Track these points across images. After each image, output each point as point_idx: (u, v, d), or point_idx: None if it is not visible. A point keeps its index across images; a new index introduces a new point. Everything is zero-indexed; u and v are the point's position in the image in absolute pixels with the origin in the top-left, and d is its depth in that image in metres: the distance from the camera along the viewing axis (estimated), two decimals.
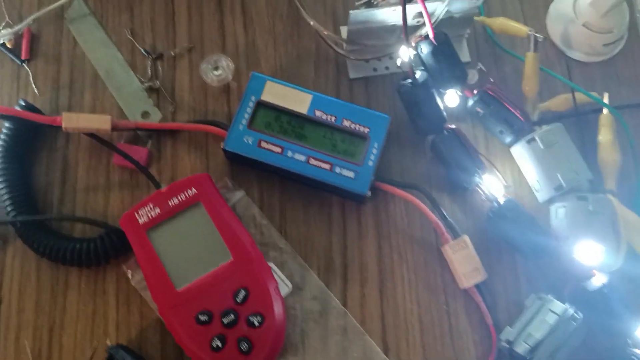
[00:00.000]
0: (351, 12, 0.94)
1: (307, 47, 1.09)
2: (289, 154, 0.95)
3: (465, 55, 1.07)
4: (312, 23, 1.05)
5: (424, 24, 0.95)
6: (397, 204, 1.00)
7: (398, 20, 0.98)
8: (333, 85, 1.06)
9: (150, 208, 0.89)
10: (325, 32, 1.04)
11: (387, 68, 1.07)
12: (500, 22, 1.04)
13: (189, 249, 0.88)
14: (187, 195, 0.90)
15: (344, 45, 1.03)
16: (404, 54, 0.95)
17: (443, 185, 1.01)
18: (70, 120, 0.95)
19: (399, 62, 0.99)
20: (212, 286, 0.85)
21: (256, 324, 0.84)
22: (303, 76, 1.05)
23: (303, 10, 1.06)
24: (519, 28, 1.00)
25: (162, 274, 0.86)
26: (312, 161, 0.94)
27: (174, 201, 0.90)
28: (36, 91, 1.05)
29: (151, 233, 0.88)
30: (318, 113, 0.97)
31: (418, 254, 0.99)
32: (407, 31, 0.93)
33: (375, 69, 1.07)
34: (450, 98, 0.99)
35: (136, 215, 0.89)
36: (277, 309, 0.86)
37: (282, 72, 1.07)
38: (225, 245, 0.87)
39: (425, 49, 0.96)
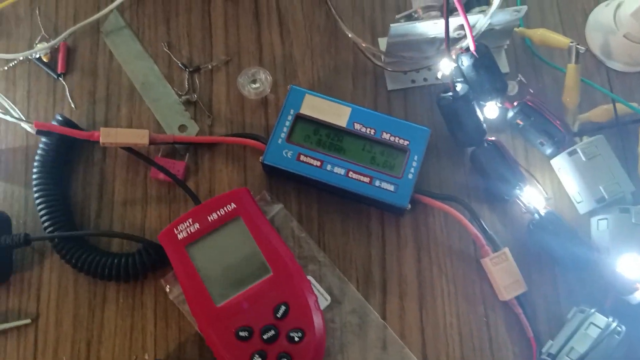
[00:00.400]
0: (392, 25, 0.93)
1: (344, 59, 1.07)
2: (329, 167, 0.93)
3: (504, 66, 1.05)
4: (350, 35, 1.04)
5: (464, 37, 0.93)
6: (436, 216, 0.99)
7: (438, 33, 0.97)
8: (371, 97, 1.04)
9: (190, 223, 0.88)
10: (364, 45, 1.03)
11: (425, 79, 1.05)
12: (541, 34, 1.02)
13: (228, 265, 0.87)
14: (226, 210, 0.88)
15: (382, 57, 1.02)
16: (445, 67, 0.95)
17: (482, 196, 1.00)
18: (108, 136, 0.94)
19: (439, 75, 0.98)
20: (252, 302, 0.83)
21: (296, 339, 0.83)
22: (341, 88, 1.04)
23: (341, 22, 1.06)
24: (560, 40, 0.98)
25: (202, 289, 0.85)
26: (352, 174, 0.93)
27: (213, 216, 0.88)
28: (72, 105, 1.04)
29: (190, 249, 0.86)
30: (357, 126, 0.95)
31: (457, 266, 0.97)
32: (449, 44, 0.92)
33: (413, 81, 1.06)
34: (490, 110, 0.97)
35: (175, 230, 0.87)
36: (318, 324, 0.84)
37: (320, 85, 1.06)
38: (265, 260, 0.86)
39: (465, 61, 0.94)
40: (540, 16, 1.09)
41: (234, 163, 1.02)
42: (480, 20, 0.94)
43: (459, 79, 0.96)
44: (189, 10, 1.10)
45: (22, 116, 0.99)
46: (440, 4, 0.96)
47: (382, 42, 1.06)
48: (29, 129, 0.98)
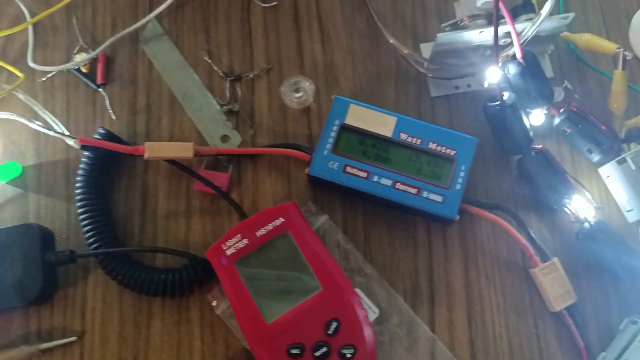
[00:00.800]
0: (439, 35, 0.92)
1: (386, 65, 1.05)
2: (375, 178, 0.92)
3: (548, 72, 1.03)
4: (392, 41, 1.02)
5: (510, 44, 0.92)
6: (483, 226, 0.97)
7: (483, 41, 0.96)
8: (414, 104, 1.02)
9: (238, 239, 0.87)
10: (406, 51, 1.01)
11: (469, 86, 1.04)
12: (586, 39, 1.00)
13: (277, 281, 0.85)
14: (274, 225, 0.87)
15: (425, 63, 1.00)
16: (491, 75, 0.94)
17: (528, 205, 0.98)
18: (153, 150, 0.93)
19: (486, 84, 0.97)
20: (302, 318, 0.82)
21: (348, 355, 0.81)
22: (383, 95, 1.02)
23: (383, 28, 1.04)
24: (607, 45, 0.97)
25: (252, 307, 0.84)
26: (399, 185, 0.92)
27: (261, 231, 0.87)
28: (113, 116, 1.03)
29: (239, 265, 0.85)
30: (403, 136, 0.94)
31: (505, 276, 0.95)
32: (497, 53, 0.91)
33: (457, 87, 1.04)
34: (536, 117, 0.96)
35: (223, 247, 0.86)
36: (369, 339, 0.82)
37: (362, 92, 1.04)
38: (315, 276, 0.84)
39: (512, 69, 0.93)
40: (583, 19, 1.07)
41: (277, 174, 1.00)
42: (527, 28, 0.93)
43: (505, 87, 0.94)
44: (228, 18, 1.08)
45: (65, 130, 0.98)
46: (486, 12, 0.95)
47: (424, 48, 1.05)
48: (72, 144, 0.96)
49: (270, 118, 1.02)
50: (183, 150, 0.94)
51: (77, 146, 0.93)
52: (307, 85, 1.00)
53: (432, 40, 0.96)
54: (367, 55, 1.06)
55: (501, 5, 0.85)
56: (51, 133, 0.95)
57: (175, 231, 0.97)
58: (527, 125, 0.93)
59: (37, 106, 0.98)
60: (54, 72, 1.03)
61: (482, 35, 0.94)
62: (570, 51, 1.06)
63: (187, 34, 1.08)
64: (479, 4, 0.93)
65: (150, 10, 1.07)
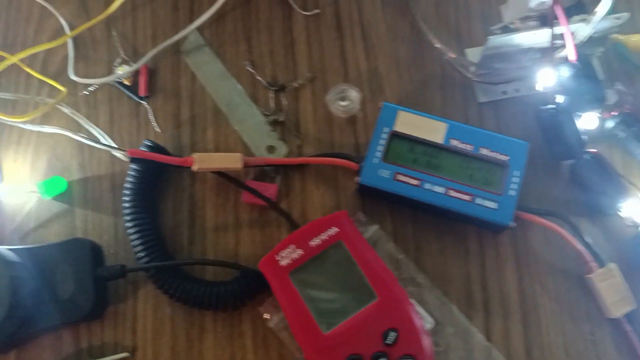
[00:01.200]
0: (489, 38, 0.91)
1: (431, 71, 1.04)
2: (427, 186, 0.90)
3: (599, 74, 1.00)
4: (438, 46, 1.01)
5: (563, 45, 0.90)
6: (535, 232, 0.95)
7: (535, 43, 0.94)
8: (461, 110, 1.01)
9: (291, 250, 0.85)
10: (453, 56, 1.00)
11: (517, 90, 1.02)
12: (637, 40, 0.99)
13: (333, 291, 0.84)
14: (328, 234, 0.86)
15: (472, 68, 0.99)
16: (544, 78, 0.92)
17: (582, 210, 0.96)
18: (202, 162, 0.91)
19: (537, 87, 0.95)
20: (359, 328, 0.81)
21: None
22: (430, 102, 1.01)
23: (428, 32, 1.03)
24: None
25: (308, 318, 0.82)
26: (452, 192, 0.90)
27: (315, 241, 0.85)
28: (157, 129, 1.01)
29: (294, 276, 0.84)
30: (454, 142, 0.92)
31: (560, 283, 0.93)
32: (552, 55, 0.90)
33: (504, 92, 1.02)
34: (589, 120, 0.94)
35: (277, 257, 0.85)
36: (428, 349, 0.81)
37: (408, 99, 1.02)
38: (370, 285, 0.83)
39: (565, 71, 0.91)
40: (630, 19, 1.02)
41: (325, 183, 0.99)
42: (580, 29, 0.91)
43: (558, 90, 0.92)
44: (270, 27, 1.07)
45: (112, 143, 0.97)
46: (538, 13, 0.92)
47: (470, 53, 1.04)
48: (120, 157, 0.95)
49: (316, 127, 1.01)
50: (232, 161, 0.93)
51: (125, 159, 0.92)
52: (354, 93, 0.99)
53: (478, 44, 0.96)
54: (412, 61, 1.05)
55: (557, 7, 0.84)
56: (99, 146, 0.94)
57: (224, 244, 0.96)
58: (581, 129, 0.91)
59: (82, 119, 0.99)
60: (97, 86, 1.03)
61: (534, 37, 0.93)
62: (618, 52, 1.03)
63: (229, 44, 1.07)
64: (532, 4, 0.89)
65: (191, 21, 1.05)
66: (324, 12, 1.08)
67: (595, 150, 0.93)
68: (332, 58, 1.05)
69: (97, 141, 0.95)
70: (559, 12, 0.84)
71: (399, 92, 1.03)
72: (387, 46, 1.06)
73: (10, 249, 0.86)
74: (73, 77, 1.02)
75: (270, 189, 0.97)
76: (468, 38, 1.06)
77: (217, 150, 1.00)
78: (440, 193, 0.90)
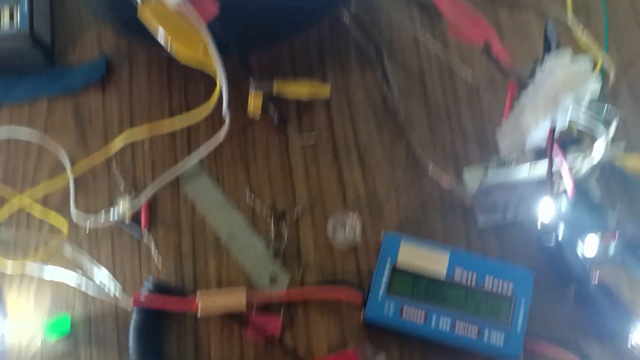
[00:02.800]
0: (484, 174, 0.90)
1: (430, 194, 1.00)
2: (433, 320, 0.86)
3: (597, 195, 0.96)
4: (432, 175, 0.99)
5: (560, 177, 0.86)
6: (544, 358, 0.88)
7: (531, 176, 0.91)
8: (463, 236, 0.97)
9: None
10: (447, 187, 0.97)
11: (517, 216, 0.97)
12: (635, 162, 0.96)
13: None
14: None
15: (470, 197, 0.95)
16: (544, 209, 0.88)
17: (591, 335, 0.91)
18: (207, 305, 0.90)
19: (539, 222, 0.91)
20: None
21: None
22: (430, 227, 0.97)
23: (423, 158, 1.01)
24: None
25: None
26: (459, 326, 0.86)
27: None
28: (159, 266, 0.97)
29: None
30: (458, 272, 0.88)
31: None
32: (552, 190, 0.86)
33: (504, 218, 0.97)
34: (591, 246, 0.89)
35: None
36: None
37: (408, 224, 0.98)
38: None
39: (564, 202, 0.87)
40: (626, 136, 1.01)
41: (329, 313, 0.94)
42: (579, 163, 0.88)
43: (558, 220, 0.88)
44: (267, 154, 1.03)
45: (116, 289, 0.94)
46: (531, 149, 0.89)
47: (468, 175, 0.99)
48: (124, 307, 0.92)
49: (318, 254, 0.97)
50: (235, 300, 0.90)
51: (129, 308, 0.89)
52: (353, 220, 0.97)
53: (475, 162, 0.95)
54: (410, 184, 1.01)
55: (556, 147, 0.82)
56: (104, 298, 0.92)
57: None
58: (583, 256, 0.87)
59: (84, 256, 0.96)
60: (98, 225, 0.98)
61: (532, 170, 0.89)
62: (616, 171, 0.99)
63: (228, 172, 1.03)
64: (528, 145, 0.86)
65: (189, 150, 1.03)
66: (320, 138, 1.04)
67: (599, 277, 0.89)
68: (330, 182, 1.01)
69: (102, 291, 0.93)
70: (557, 151, 0.82)
71: (399, 216, 0.99)
72: (385, 170, 1.02)
73: None
74: (74, 215, 0.99)
75: (274, 323, 0.92)
76: (465, 158, 1.02)
77: (219, 281, 0.96)
78: (446, 330, 0.87)
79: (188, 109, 1.05)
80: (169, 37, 0.83)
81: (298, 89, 1.02)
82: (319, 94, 1.03)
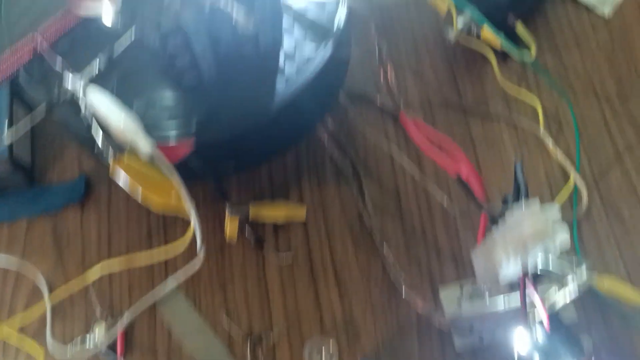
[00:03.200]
0: (456, 307, 0.90)
1: (406, 315, 0.99)
2: None
3: (571, 314, 0.97)
4: (406, 298, 0.98)
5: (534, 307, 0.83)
6: None
7: (507, 307, 0.89)
8: None
9: None
10: (420, 312, 0.97)
11: (494, 338, 0.95)
12: (610, 284, 0.95)
13: None
14: None
15: (444, 321, 0.94)
16: (519, 337, 0.85)
17: None
18: None
19: (514, 344, 0.87)
20: None
21: None
22: (406, 351, 0.96)
23: (398, 281, 1.00)
24: (634, 296, 0.93)
25: None
26: None
27: None
28: None
29: None
30: None
31: None
32: (528, 326, 0.84)
33: (481, 338, 0.95)
34: None
35: None
36: None
37: (385, 348, 0.96)
38: None
39: (539, 334, 0.84)
40: (599, 256, 1.01)
41: None
42: (553, 295, 0.86)
43: (534, 349, 0.85)
44: (244, 275, 1.03)
45: None
46: (505, 283, 0.87)
47: (444, 296, 0.96)
48: None
49: None
50: None
51: None
52: (330, 347, 0.96)
53: (451, 280, 0.95)
54: (387, 305, 0.99)
55: (529, 287, 0.81)
56: None
57: None
58: None
59: None
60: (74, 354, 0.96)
61: (507, 301, 0.88)
62: (592, 293, 0.98)
63: (205, 295, 1.02)
64: (501, 277, 0.84)
65: (166, 275, 1.02)
66: (297, 259, 1.03)
67: None
68: (307, 303, 1.00)
69: None
70: (530, 287, 0.81)
71: (375, 340, 0.98)
72: (361, 290, 1.01)
73: None
74: (50, 345, 0.99)
75: None
76: (440, 276, 1.02)
77: None
78: None
79: (166, 229, 1.06)
80: (141, 189, 0.80)
81: (274, 213, 1.02)
82: (295, 217, 1.03)
